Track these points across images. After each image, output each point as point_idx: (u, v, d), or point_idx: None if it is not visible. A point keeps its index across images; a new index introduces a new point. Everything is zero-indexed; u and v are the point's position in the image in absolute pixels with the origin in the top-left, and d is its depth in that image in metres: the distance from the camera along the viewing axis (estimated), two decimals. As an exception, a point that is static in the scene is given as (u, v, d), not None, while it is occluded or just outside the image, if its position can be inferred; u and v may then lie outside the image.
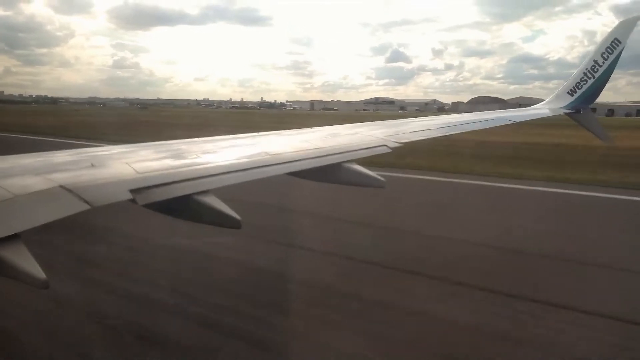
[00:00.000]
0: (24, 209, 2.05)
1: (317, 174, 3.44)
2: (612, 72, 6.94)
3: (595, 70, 6.94)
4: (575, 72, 7.27)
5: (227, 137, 3.92)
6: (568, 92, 7.22)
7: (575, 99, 7.13)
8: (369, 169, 3.56)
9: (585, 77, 7.02)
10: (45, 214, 2.06)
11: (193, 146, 3.45)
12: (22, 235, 1.92)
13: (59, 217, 2.06)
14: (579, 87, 7.09)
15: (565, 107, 7.17)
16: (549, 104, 7.40)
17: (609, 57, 6.88)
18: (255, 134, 4.34)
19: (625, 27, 6.96)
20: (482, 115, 6.65)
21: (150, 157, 3.00)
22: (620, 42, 6.86)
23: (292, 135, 4.30)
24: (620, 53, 6.86)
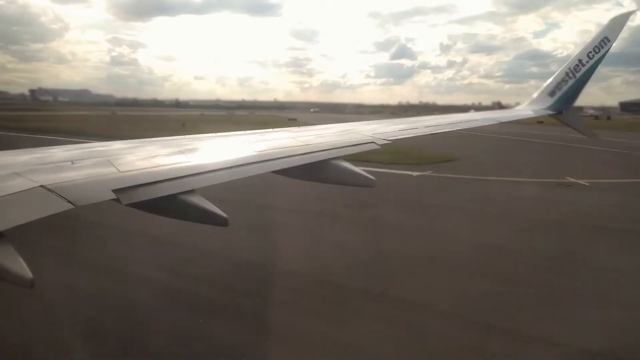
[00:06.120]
0: (5, 209, 1.99)
1: (305, 173, 3.34)
2: (593, 72, 6.86)
3: (577, 70, 6.92)
4: (557, 72, 7.31)
5: (223, 134, 3.89)
6: (549, 94, 7.30)
7: (556, 101, 7.19)
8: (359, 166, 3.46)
9: (566, 77, 7.05)
10: (26, 213, 1.99)
11: (182, 142, 3.38)
12: None
13: (40, 216, 2.00)
14: (560, 87, 7.13)
15: (548, 108, 7.27)
16: (532, 104, 7.52)
17: (594, 56, 6.71)
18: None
19: (616, 24, 6.71)
20: (470, 115, 6.87)
21: (138, 154, 2.93)
22: (609, 41, 6.62)
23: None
24: (606, 52, 6.63)
